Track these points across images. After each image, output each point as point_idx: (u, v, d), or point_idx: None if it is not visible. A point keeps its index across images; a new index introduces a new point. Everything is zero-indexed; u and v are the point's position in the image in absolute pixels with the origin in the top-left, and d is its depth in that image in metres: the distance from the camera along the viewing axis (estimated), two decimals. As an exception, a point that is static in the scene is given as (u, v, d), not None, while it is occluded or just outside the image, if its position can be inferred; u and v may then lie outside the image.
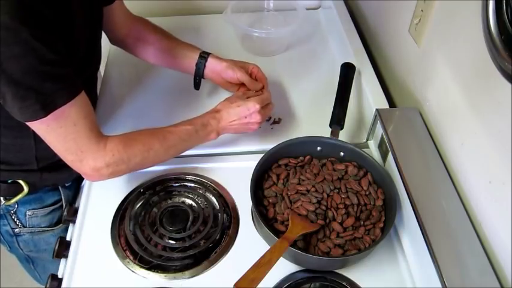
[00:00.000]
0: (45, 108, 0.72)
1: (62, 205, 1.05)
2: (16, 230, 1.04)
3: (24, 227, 1.03)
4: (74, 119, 0.77)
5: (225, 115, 0.95)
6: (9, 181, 0.95)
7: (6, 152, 0.91)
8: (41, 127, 0.76)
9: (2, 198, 0.97)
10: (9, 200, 0.97)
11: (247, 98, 0.97)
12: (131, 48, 1.12)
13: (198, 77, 1.10)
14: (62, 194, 1.05)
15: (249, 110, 0.95)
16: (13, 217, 1.01)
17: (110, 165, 0.82)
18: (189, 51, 1.09)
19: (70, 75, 0.76)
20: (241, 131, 0.98)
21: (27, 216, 1.02)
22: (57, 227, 1.07)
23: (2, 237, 1.07)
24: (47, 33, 0.70)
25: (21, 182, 0.95)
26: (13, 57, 0.67)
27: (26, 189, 0.96)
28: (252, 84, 1.05)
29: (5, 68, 0.67)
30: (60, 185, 1.04)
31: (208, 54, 1.08)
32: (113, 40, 1.11)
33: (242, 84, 1.08)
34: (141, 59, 1.14)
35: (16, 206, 0.99)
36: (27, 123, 0.75)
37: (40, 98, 0.71)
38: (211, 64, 1.07)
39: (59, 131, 0.77)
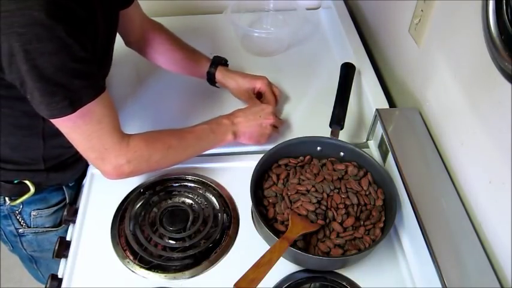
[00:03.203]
0: (73, 105, 0.73)
1: (65, 204, 1.05)
2: (20, 230, 1.04)
3: (29, 227, 1.03)
4: (99, 117, 0.77)
5: (241, 115, 0.99)
6: (15, 181, 0.95)
7: (14, 151, 0.91)
8: (67, 124, 0.76)
9: (7, 198, 0.97)
10: (15, 200, 0.97)
11: None
12: (144, 52, 1.13)
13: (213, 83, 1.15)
14: (66, 194, 1.05)
15: (263, 110, 1.00)
16: (18, 217, 1.01)
17: (131, 162, 0.83)
18: (199, 63, 1.12)
19: (96, 73, 0.77)
20: (255, 135, 1.00)
21: (32, 216, 1.02)
22: (61, 227, 1.07)
23: (5, 237, 1.06)
24: (79, 31, 0.71)
25: (27, 182, 0.95)
26: (47, 53, 0.68)
27: (32, 189, 0.96)
28: None
29: (37, 64, 0.68)
30: (64, 185, 1.04)
31: (217, 66, 1.11)
32: (127, 42, 1.12)
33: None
34: (150, 61, 1.15)
35: (21, 206, 0.99)
36: (52, 120, 0.75)
37: (68, 94, 0.72)
38: (219, 81, 1.12)
39: (84, 129, 0.77)
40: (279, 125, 1.05)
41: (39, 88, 0.71)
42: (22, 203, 0.98)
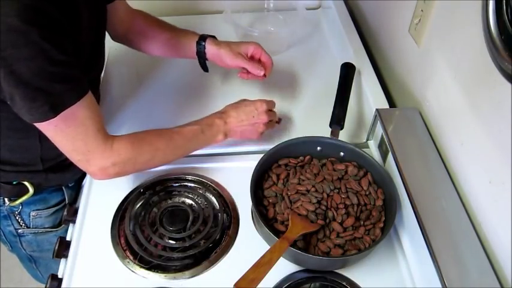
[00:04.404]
0: (55, 109, 0.73)
1: (65, 205, 1.05)
2: (20, 230, 1.04)
3: (28, 227, 1.03)
4: (82, 119, 0.77)
5: (233, 114, 0.96)
6: (14, 182, 0.95)
7: (12, 153, 0.91)
8: (49, 128, 0.76)
9: (6, 199, 0.97)
10: (14, 201, 0.97)
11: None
12: (133, 43, 1.12)
13: (203, 61, 1.10)
14: (66, 194, 1.05)
15: (257, 110, 0.97)
16: (17, 218, 1.01)
17: (117, 164, 0.83)
18: (188, 39, 1.08)
19: (78, 75, 0.76)
20: (247, 134, 0.99)
21: (31, 217, 1.02)
22: (60, 227, 1.07)
23: (4, 238, 1.06)
24: (56, 33, 0.70)
25: (26, 183, 0.95)
26: (23, 59, 0.67)
27: (31, 190, 0.96)
28: (255, 70, 1.03)
29: (14, 70, 0.68)
30: (64, 185, 1.04)
31: (206, 38, 1.07)
32: (114, 36, 1.10)
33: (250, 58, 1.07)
34: (144, 53, 1.13)
35: (20, 207, 0.99)
36: (35, 124, 0.75)
37: (49, 99, 0.72)
38: (209, 50, 1.07)
39: (67, 131, 0.77)
40: (275, 119, 1.02)
41: (18, 94, 0.70)
42: (21, 203, 0.98)
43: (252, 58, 1.06)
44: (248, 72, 1.06)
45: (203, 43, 1.07)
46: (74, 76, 0.75)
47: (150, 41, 1.10)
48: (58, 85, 0.72)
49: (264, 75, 1.05)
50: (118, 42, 1.13)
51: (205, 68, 1.13)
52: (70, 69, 0.74)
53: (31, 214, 1.01)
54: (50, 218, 1.05)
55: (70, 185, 1.06)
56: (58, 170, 0.98)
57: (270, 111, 1.00)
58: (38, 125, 0.75)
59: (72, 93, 0.74)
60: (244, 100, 1.00)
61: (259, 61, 1.07)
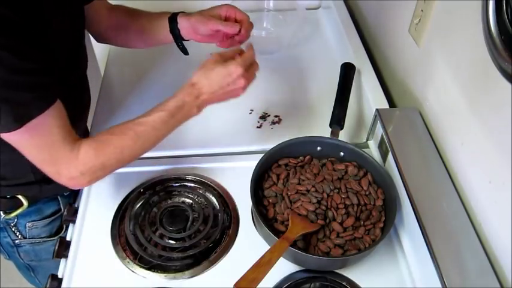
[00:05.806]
0: (19, 120, 0.69)
1: (61, 215, 1.03)
2: (16, 241, 1.03)
3: (25, 238, 1.02)
4: (48, 129, 0.73)
5: (205, 87, 0.83)
6: (8, 196, 0.94)
7: (3, 166, 0.89)
8: (14, 139, 0.73)
9: (1, 212, 0.96)
10: (9, 213, 0.96)
11: (226, 61, 0.84)
12: (114, 39, 1.08)
13: (180, 42, 1.03)
14: (61, 204, 1.03)
15: (231, 76, 0.83)
16: (13, 229, 1.00)
17: (85, 173, 0.79)
18: (159, 20, 1.02)
19: (46, 83, 0.72)
20: (226, 99, 0.87)
21: (27, 228, 1.01)
22: (57, 236, 1.05)
23: (1, 247, 1.05)
24: (17, 41, 0.66)
25: (20, 197, 0.94)
26: None
27: (25, 203, 0.94)
28: (229, 28, 0.95)
29: None
30: (60, 195, 1.03)
31: (177, 15, 1.01)
32: (97, 37, 1.07)
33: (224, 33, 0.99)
34: (128, 47, 1.10)
35: (16, 219, 0.98)
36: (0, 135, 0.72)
37: (13, 109, 0.68)
38: (182, 25, 1.00)
39: (32, 142, 0.74)
40: (253, 76, 0.87)
41: None
42: (17, 215, 0.97)
43: (227, 20, 0.98)
44: (225, 39, 0.99)
45: (176, 18, 1.00)
46: (41, 84, 0.71)
47: (126, 33, 1.05)
48: (23, 94, 0.68)
49: (239, 31, 0.96)
50: (102, 43, 1.09)
51: (184, 51, 1.05)
52: (36, 77, 0.70)
53: (27, 225, 1.00)
54: (46, 228, 1.03)
55: (65, 194, 1.04)
56: (52, 180, 0.96)
57: (249, 66, 0.85)
58: (3, 136, 0.72)
59: (38, 103, 0.70)
60: (216, 62, 0.84)
61: (235, 21, 0.99)
